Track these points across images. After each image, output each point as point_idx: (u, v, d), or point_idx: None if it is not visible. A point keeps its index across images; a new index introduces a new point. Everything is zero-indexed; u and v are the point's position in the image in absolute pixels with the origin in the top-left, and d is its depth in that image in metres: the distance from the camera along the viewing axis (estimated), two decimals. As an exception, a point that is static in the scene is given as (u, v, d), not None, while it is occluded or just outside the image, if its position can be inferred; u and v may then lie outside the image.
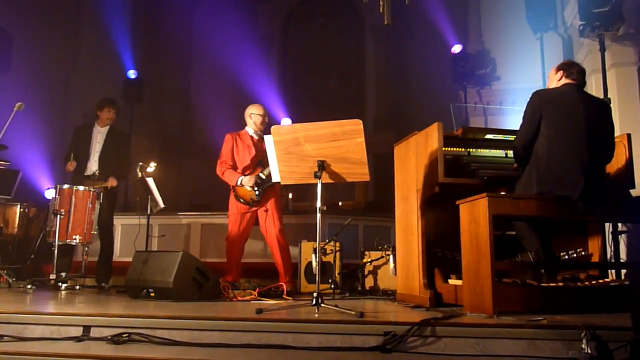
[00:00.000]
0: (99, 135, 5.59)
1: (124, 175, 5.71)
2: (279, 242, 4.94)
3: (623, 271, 4.03)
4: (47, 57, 9.44)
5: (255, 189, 4.92)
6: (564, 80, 3.47)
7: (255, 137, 5.14)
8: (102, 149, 5.52)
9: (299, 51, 11.98)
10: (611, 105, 4.83)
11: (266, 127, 5.13)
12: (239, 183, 4.95)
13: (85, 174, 5.45)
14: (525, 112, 3.45)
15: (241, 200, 4.98)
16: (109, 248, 5.57)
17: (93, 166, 5.48)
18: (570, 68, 3.50)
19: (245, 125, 5.22)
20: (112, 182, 5.44)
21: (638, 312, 2.36)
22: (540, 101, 3.38)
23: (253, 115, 5.15)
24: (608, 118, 3.47)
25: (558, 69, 3.53)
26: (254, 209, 4.97)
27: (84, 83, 9.68)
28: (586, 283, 3.62)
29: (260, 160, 5.01)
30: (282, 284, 4.55)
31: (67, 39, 10.18)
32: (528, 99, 3.46)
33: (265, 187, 4.95)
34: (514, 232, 3.59)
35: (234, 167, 5.06)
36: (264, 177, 4.94)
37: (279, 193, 5.15)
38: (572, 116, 3.30)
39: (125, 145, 5.82)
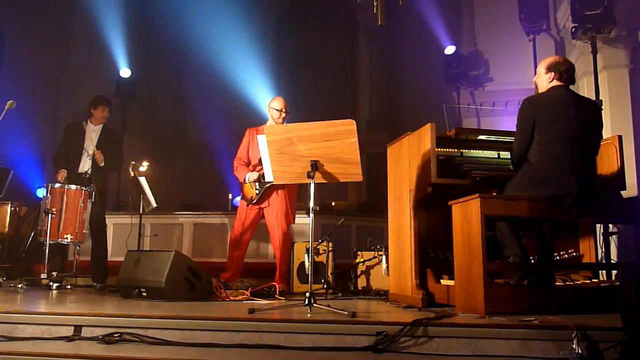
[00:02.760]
0: (93, 133, 5.54)
1: (111, 169, 5.66)
2: (280, 243, 4.85)
3: (614, 272, 4.06)
4: (39, 55, 9.39)
5: (257, 187, 4.81)
6: (554, 83, 3.40)
7: None
8: (96, 148, 5.47)
9: (293, 51, 11.97)
10: (602, 107, 4.87)
11: (287, 121, 4.89)
12: (246, 179, 4.86)
13: (78, 171, 5.41)
14: (518, 121, 3.40)
15: (243, 197, 4.93)
16: (101, 247, 5.52)
17: (86, 164, 5.44)
18: (561, 67, 3.40)
19: (267, 119, 5.05)
20: (99, 157, 5.35)
21: (628, 313, 2.37)
22: (532, 108, 3.33)
23: (271, 109, 4.96)
24: (598, 116, 3.46)
25: (549, 69, 3.42)
26: (254, 207, 4.87)
27: (76, 81, 9.64)
28: (577, 283, 3.65)
29: None
30: (275, 284, 4.54)
31: (59, 37, 10.13)
32: (520, 106, 3.41)
33: (265, 187, 4.81)
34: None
35: (248, 164, 4.96)
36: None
37: (288, 194, 4.91)
38: (565, 121, 3.27)
39: (117, 145, 5.80)
